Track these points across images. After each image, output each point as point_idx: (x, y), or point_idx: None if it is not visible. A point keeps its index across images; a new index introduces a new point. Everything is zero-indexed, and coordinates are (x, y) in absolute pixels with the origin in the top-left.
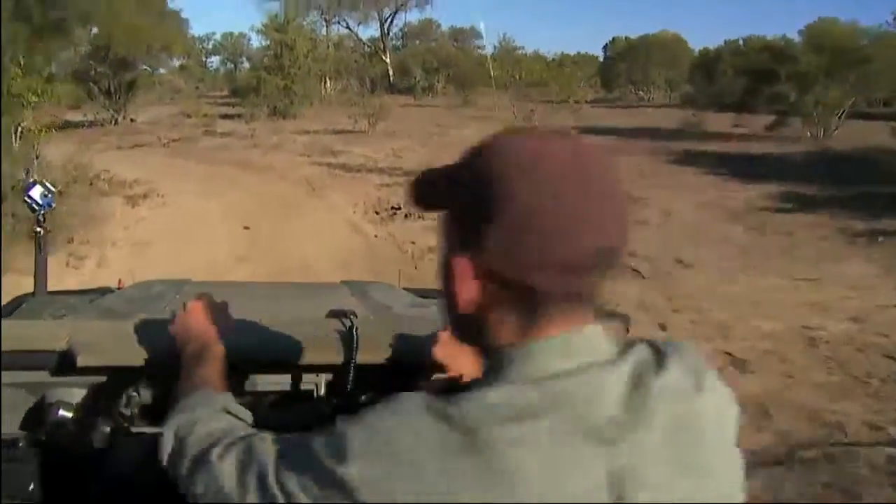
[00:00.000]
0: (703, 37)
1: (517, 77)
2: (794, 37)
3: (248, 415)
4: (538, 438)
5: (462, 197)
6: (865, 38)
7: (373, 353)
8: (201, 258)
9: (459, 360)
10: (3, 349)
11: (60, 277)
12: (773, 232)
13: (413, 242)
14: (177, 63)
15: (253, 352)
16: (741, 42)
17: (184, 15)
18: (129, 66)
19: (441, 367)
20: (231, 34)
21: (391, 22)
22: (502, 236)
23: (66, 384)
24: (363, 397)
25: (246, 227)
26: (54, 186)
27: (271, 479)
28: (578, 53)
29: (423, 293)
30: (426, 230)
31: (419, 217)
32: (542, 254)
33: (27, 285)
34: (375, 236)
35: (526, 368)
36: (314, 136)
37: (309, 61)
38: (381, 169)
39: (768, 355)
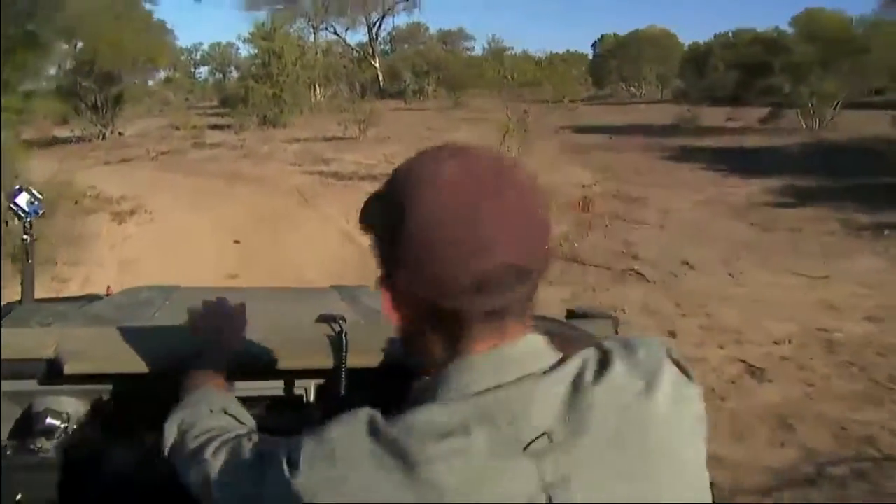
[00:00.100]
0: (690, 31)
1: (510, 77)
2: (784, 28)
3: (246, 415)
4: (466, 453)
5: (378, 221)
6: (860, 27)
7: (363, 357)
8: (190, 276)
9: None
10: None
11: None
12: (776, 228)
13: None
14: (163, 75)
15: (240, 357)
16: (731, 35)
17: (169, 26)
18: (115, 80)
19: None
20: (219, 44)
21: (379, 26)
22: (406, 261)
23: (55, 392)
24: (354, 402)
25: (236, 242)
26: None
27: (249, 478)
28: (567, 52)
29: None
30: None
31: None
32: (448, 276)
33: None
34: (369, 246)
35: (457, 386)
36: (305, 144)
37: (297, 69)
38: (374, 176)
39: (786, 362)
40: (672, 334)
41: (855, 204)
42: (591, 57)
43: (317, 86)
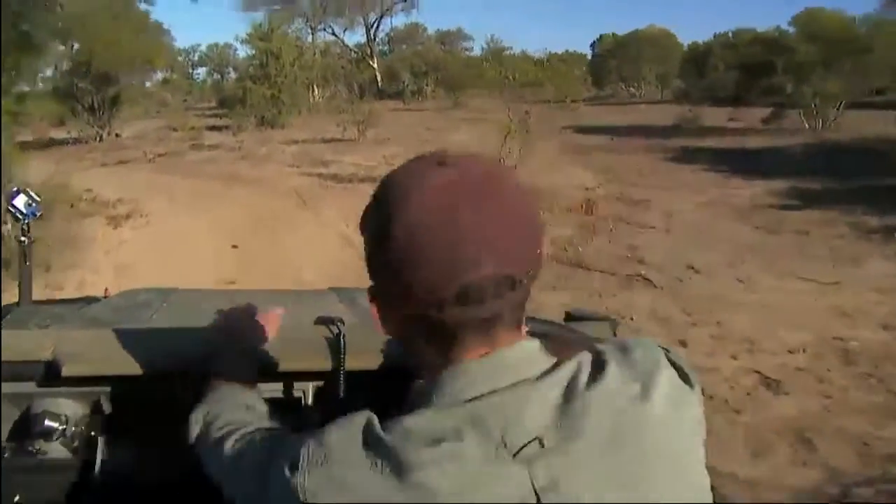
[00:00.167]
0: (689, 31)
1: (511, 78)
2: (785, 28)
3: (265, 412)
4: (458, 458)
5: (367, 227)
6: (863, 27)
7: (362, 359)
8: (186, 281)
9: None
10: None
11: None
12: (782, 230)
13: None
14: (160, 76)
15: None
16: (730, 35)
17: (166, 27)
18: (112, 81)
19: None
20: (216, 45)
21: (377, 27)
22: (392, 270)
23: (53, 394)
24: (353, 404)
25: (234, 246)
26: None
27: (260, 472)
28: (566, 52)
29: None
30: None
31: None
32: (433, 286)
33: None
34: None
35: (451, 391)
36: (303, 145)
37: (295, 69)
38: (374, 178)
39: (802, 373)
40: (683, 343)
41: (863, 206)
42: (589, 57)
43: (315, 87)
